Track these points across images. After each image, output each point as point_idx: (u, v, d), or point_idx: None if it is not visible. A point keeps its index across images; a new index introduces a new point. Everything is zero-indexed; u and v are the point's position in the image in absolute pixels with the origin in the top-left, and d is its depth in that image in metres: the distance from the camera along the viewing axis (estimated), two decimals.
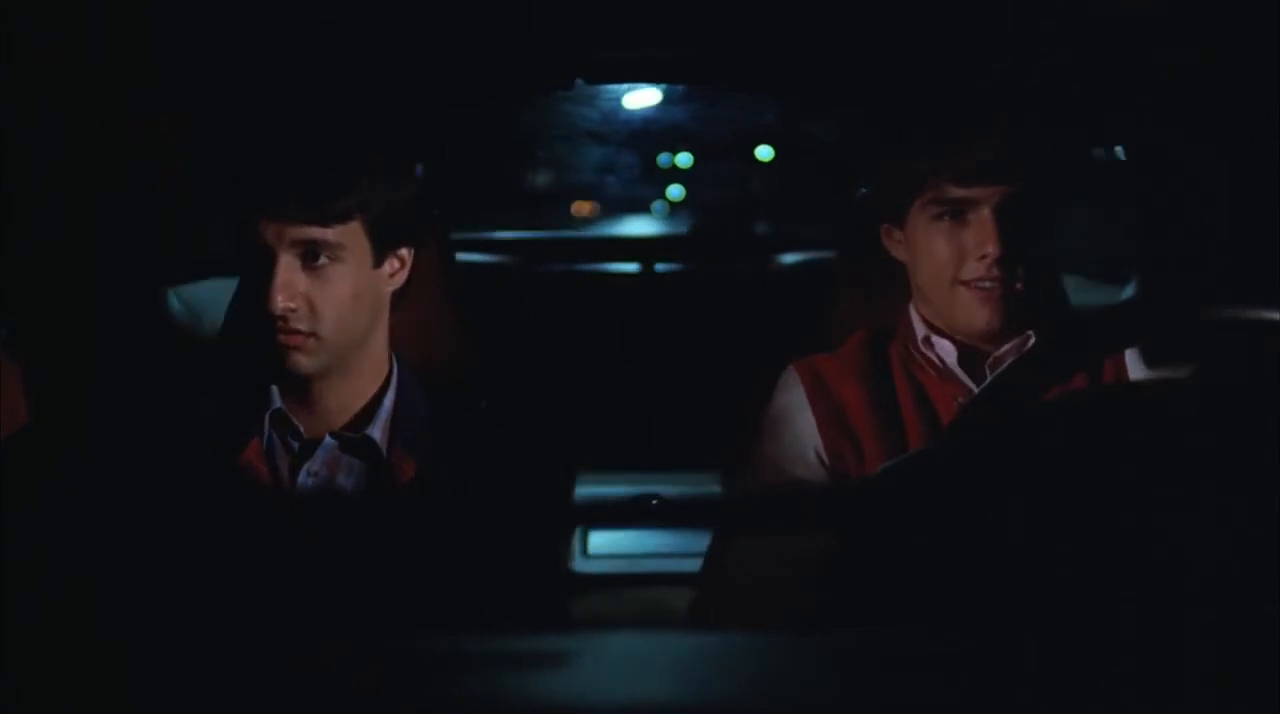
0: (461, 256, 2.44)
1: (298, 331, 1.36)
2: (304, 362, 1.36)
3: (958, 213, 1.44)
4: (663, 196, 3.84)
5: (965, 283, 1.45)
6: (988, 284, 1.43)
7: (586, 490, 2.22)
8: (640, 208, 3.82)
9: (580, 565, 2.22)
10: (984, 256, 1.42)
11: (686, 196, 3.81)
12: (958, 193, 1.43)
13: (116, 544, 1.31)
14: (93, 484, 1.33)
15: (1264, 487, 0.78)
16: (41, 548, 1.28)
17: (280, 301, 1.34)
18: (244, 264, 1.40)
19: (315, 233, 1.35)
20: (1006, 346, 1.48)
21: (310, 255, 1.35)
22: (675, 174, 3.83)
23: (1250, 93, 1.67)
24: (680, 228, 3.78)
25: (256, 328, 1.36)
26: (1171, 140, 1.84)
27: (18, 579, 1.18)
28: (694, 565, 1.56)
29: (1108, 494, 0.81)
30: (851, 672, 0.56)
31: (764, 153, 3.68)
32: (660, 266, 2.89)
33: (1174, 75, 1.71)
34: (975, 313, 1.45)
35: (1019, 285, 1.44)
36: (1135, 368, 1.46)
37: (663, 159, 3.78)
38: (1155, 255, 1.94)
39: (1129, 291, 1.95)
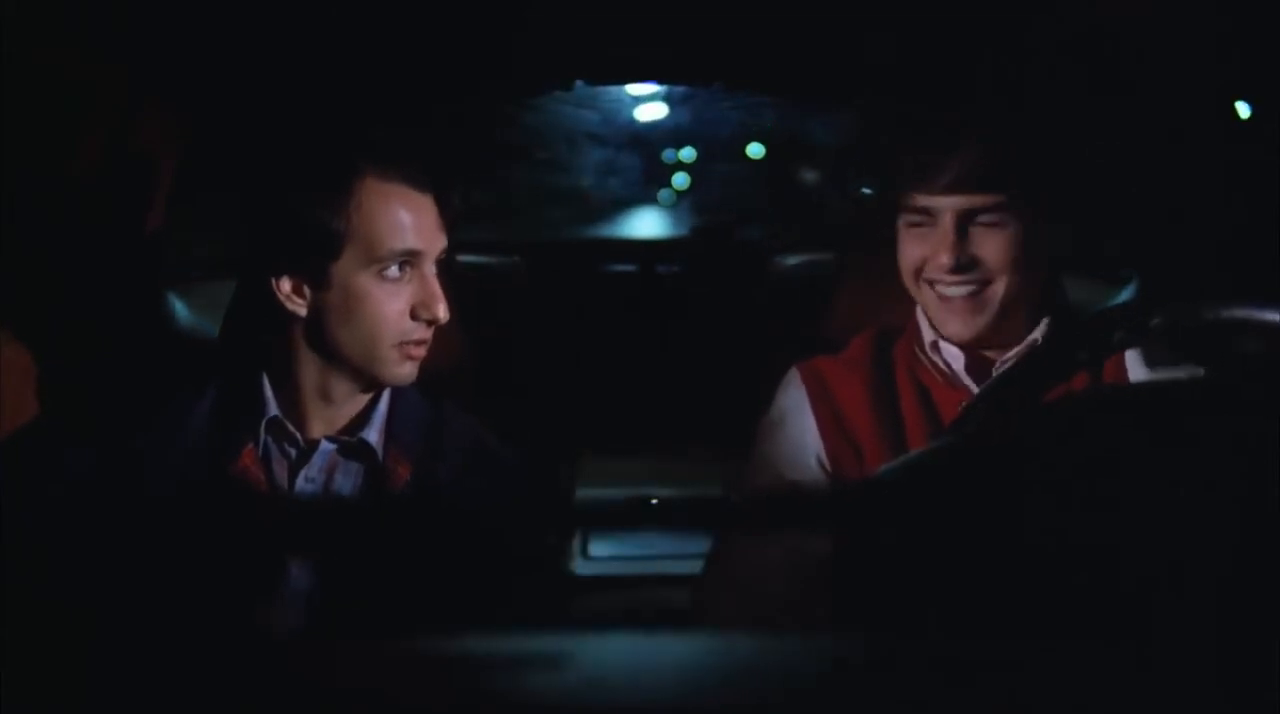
0: (461, 257, 2.44)
1: (424, 342, 1.38)
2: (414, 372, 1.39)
3: (924, 221, 1.47)
4: (669, 185, 4.08)
5: (932, 288, 1.47)
6: (951, 291, 1.46)
7: (587, 492, 2.22)
8: (649, 197, 4.07)
9: (580, 567, 2.22)
10: (939, 263, 1.45)
11: (691, 184, 4.05)
12: (923, 202, 1.46)
13: (114, 549, 1.30)
14: (89, 488, 1.33)
15: (1265, 487, 0.78)
16: (32, 549, 1.28)
17: (444, 311, 1.36)
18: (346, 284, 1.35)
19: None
20: (1013, 352, 1.48)
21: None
22: (680, 166, 4.08)
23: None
24: (684, 212, 3.94)
25: (370, 340, 1.35)
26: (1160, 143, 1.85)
27: (11, 578, 1.18)
28: (694, 567, 1.56)
29: (1107, 495, 0.81)
30: (851, 672, 0.56)
31: (755, 150, 3.87)
32: (661, 267, 2.88)
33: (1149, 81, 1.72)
34: (942, 318, 1.48)
35: (984, 291, 1.45)
36: (1135, 369, 1.46)
37: (668, 154, 4.00)
38: (1153, 256, 1.95)
39: (1128, 292, 1.95)
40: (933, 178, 1.45)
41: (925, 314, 1.52)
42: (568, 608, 1.64)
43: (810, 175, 3.71)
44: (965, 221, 1.44)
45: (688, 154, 4.03)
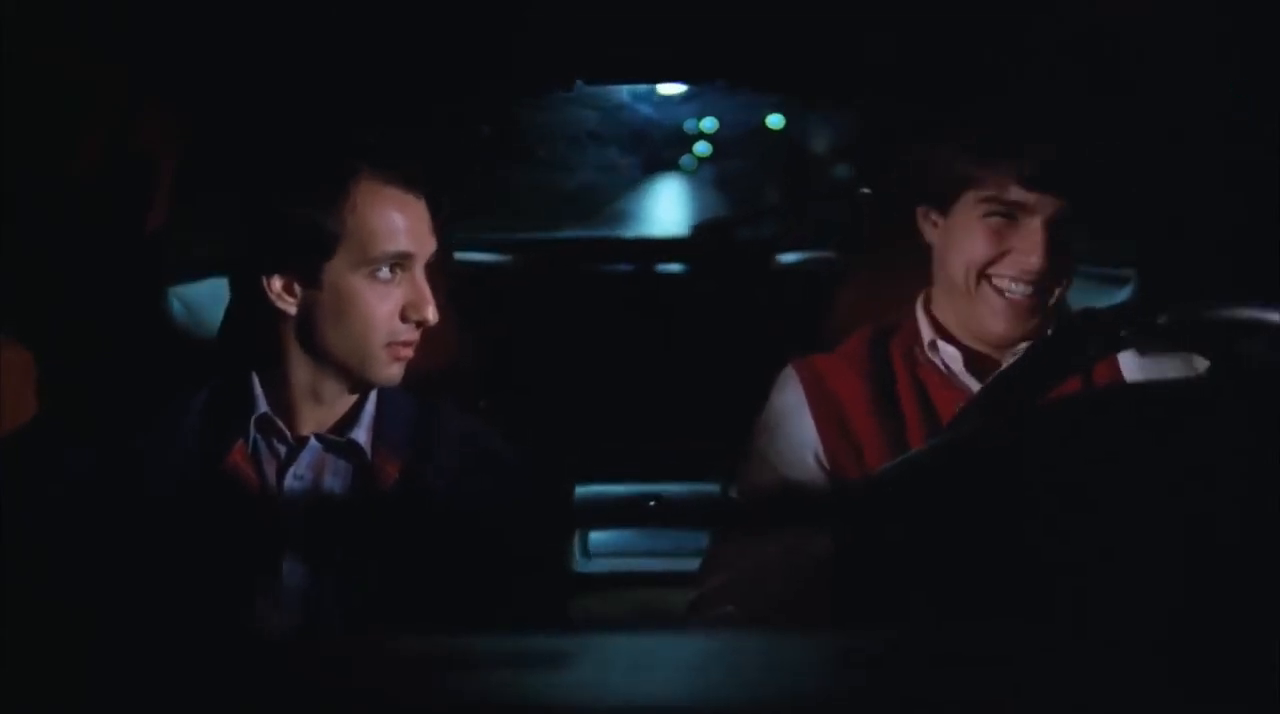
0: (462, 257, 2.45)
1: (413, 343, 1.38)
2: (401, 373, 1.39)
3: (1011, 215, 1.40)
4: (691, 152, 4.29)
5: (996, 286, 1.42)
6: (1017, 291, 1.41)
7: (587, 491, 2.23)
8: (671, 164, 4.27)
9: (581, 565, 2.22)
10: (1024, 264, 1.39)
11: (712, 152, 4.25)
12: (1017, 196, 1.39)
13: (113, 548, 1.31)
14: (89, 488, 1.33)
15: (1264, 488, 0.78)
16: (32, 549, 1.28)
17: (434, 313, 1.36)
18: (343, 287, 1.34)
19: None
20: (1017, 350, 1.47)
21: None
22: (701, 135, 4.28)
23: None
24: (698, 192, 4.07)
25: (359, 341, 1.35)
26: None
27: (11, 578, 1.18)
28: (694, 565, 1.56)
29: (1107, 495, 0.81)
30: (851, 671, 0.56)
31: (775, 121, 4.03)
32: (662, 266, 2.88)
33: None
34: (996, 317, 1.43)
35: (1045, 297, 1.42)
36: (1131, 370, 1.45)
37: (689, 124, 4.20)
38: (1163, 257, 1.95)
39: (1128, 292, 1.95)
40: (1029, 165, 1.35)
41: (964, 309, 1.46)
42: (568, 607, 1.64)
43: (816, 172, 3.74)
44: (1053, 221, 1.37)
45: (709, 124, 4.19)
